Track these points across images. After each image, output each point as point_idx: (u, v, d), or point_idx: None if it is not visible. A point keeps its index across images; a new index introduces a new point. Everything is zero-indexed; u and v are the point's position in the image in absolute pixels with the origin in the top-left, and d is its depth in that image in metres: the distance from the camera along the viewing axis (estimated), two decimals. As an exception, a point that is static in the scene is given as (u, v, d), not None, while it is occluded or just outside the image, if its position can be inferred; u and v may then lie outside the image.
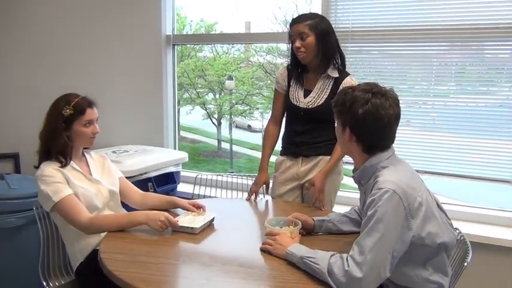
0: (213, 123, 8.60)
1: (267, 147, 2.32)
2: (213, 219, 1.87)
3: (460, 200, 2.90)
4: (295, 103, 2.19)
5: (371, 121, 1.43)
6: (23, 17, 3.13)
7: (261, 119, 8.09)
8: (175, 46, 3.28)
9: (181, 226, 1.74)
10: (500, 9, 2.35)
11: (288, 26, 2.19)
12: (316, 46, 2.09)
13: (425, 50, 2.55)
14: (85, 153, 1.99)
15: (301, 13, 2.17)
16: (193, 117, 8.56)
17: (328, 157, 2.18)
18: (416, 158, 2.57)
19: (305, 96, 2.18)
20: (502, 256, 2.34)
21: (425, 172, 2.55)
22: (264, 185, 2.31)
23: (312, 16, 2.12)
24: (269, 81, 7.61)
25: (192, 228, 1.74)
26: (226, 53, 8.11)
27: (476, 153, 2.49)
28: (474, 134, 2.49)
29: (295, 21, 2.11)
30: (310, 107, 2.16)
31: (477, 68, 2.50)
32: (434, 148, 2.56)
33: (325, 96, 2.14)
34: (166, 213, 1.75)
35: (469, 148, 2.50)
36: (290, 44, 2.18)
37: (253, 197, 2.27)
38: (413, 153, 2.58)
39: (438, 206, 1.51)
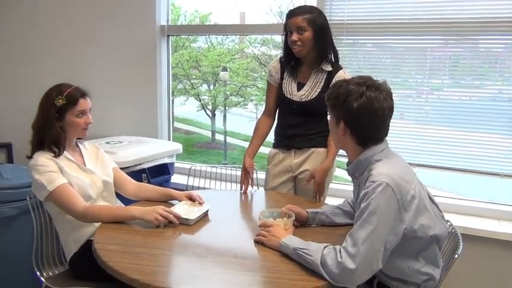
0: (207, 114, 8.58)
1: (254, 138, 2.30)
2: (207, 211, 1.87)
3: (451, 193, 2.93)
4: (289, 96, 2.19)
5: (366, 114, 1.43)
6: (15, 6, 3.09)
7: (255, 111, 8.08)
8: (170, 37, 3.26)
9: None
10: (494, 3, 2.36)
11: (283, 17, 2.18)
12: (312, 41, 2.08)
13: (419, 43, 2.56)
14: (78, 144, 1.98)
15: (297, 5, 2.15)
16: (187, 108, 8.53)
17: (321, 149, 2.19)
18: (409, 151, 2.59)
19: (298, 89, 2.18)
20: (491, 248, 2.37)
21: (418, 165, 2.57)
22: (245, 170, 2.25)
23: (310, 10, 2.10)
24: (263, 73, 7.59)
25: (187, 219, 1.75)
26: (221, 44, 8.06)
27: (469, 147, 2.51)
28: (467, 128, 2.51)
29: (294, 14, 2.08)
30: (303, 100, 2.16)
31: (471, 61, 2.51)
32: (427, 141, 2.58)
33: (319, 90, 2.14)
34: (161, 207, 1.75)
35: (462, 141, 2.52)
36: (284, 36, 2.16)
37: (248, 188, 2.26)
38: (406, 146, 2.60)
39: (430, 198, 1.52)
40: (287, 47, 2.16)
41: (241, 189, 2.26)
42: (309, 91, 2.16)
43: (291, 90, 2.19)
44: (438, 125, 2.57)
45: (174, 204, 1.89)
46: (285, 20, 2.14)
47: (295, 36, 2.07)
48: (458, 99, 2.55)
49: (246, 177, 2.25)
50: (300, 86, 2.18)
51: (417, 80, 2.63)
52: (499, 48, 2.46)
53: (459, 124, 2.53)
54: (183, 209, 1.83)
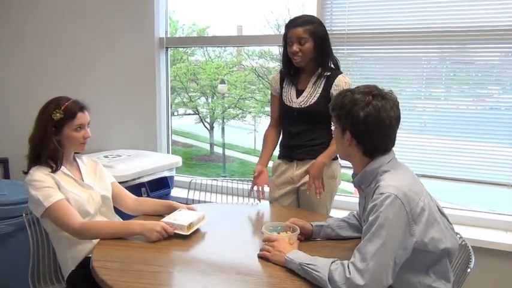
0: (206, 127, 8.56)
1: (265, 148, 2.28)
2: (203, 217, 1.82)
3: (448, 202, 2.90)
4: (289, 104, 2.18)
5: (372, 124, 1.40)
6: (15, 19, 3.07)
7: (253, 123, 8.07)
8: (169, 49, 3.24)
9: (175, 233, 1.70)
10: (490, 13, 2.35)
11: (280, 29, 2.17)
12: (312, 51, 2.08)
13: (416, 52, 2.55)
14: (76, 158, 1.94)
15: (297, 16, 2.14)
16: (185, 121, 8.52)
17: None
18: (407, 161, 2.53)
19: (297, 96, 2.17)
20: (499, 260, 2.32)
21: (417, 175, 2.52)
22: (258, 176, 2.21)
23: (311, 20, 2.09)
24: (261, 85, 7.60)
25: (181, 228, 1.70)
26: (218, 57, 8.08)
27: (467, 156, 2.49)
28: (464, 137, 2.49)
29: (295, 25, 2.07)
30: (303, 106, 2.14)
31: (467, 71, 2.50)
32: (425, 151, 2.56)
33: (317, 95, 2.13)
34: (162, 223, 1.70)
35: (460, 151, 2.50)
36: (284, 45, 2.15)
37: (255, 190, 2.22)
38: (404, 156, 2.55)
39: (440, 210, 1.48)
40: (286, 56, 2.15)
41: (249, 194, 2.24)
42: (307, 97, 2.14)
43: (290, 97, 2.18)
44: (436, 135, 2.55)
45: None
46: (285, 29, 2.13)
47: (295, 47, 2.07)
48: (455, 109, 2.54)
49: (255, 184, 2.21)
50: (299, 93, 2.17)
51: (414, 89, 2.61)
52: (495, 57, 2.44)
53: (457, 133, 2.52)
54: (178, 215, 1.78)
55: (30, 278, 1.86)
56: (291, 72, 2.19)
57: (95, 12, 3.08)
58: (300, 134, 2.18)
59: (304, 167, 2.18)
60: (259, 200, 2.23)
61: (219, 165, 8.50)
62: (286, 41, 2.12)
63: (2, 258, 2.34)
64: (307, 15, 2.14)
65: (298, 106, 2.15)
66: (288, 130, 2.23)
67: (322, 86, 2.14)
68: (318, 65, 2.13)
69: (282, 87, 2.23)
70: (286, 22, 2.17)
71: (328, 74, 2.13)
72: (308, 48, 2.07)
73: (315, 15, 2.62)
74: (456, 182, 2.55)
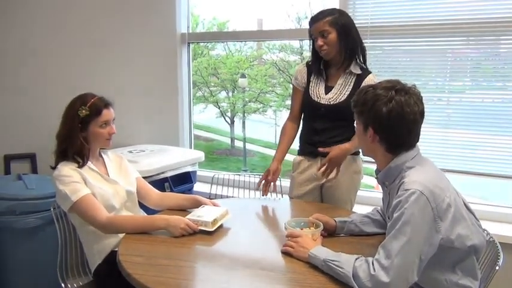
0: (226, 121, 8.58)
1: (282, 143, 2.24)
2: (226, 212, 1.82)
3: (474, 197, 2.84)
4: (316, 99, 2.15)
5: (395, 119, 1.38)
6: (39, 16, 3.13)
7: (274, 117, 8.05)
8: (190, 44, 3.25)
9: (200, 229, 1.72)
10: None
11: (300, 23, 2.16)
12: (338, 42, 2.06)
13: (441, 45, 2.49)
14: (102, 153, 1.98)
15: (316, 9, 2.14)
16: (206, 115, 8.55)
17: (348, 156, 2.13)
18: (430, 156, 2.49)
19: (326, 92, 2.14)
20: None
21: (442, 170, 2.48)
22: (272, 174, 2.18)
23: (331, 12, 2.07)
24: (282, 79, 7.56)
25: (205, 224, 1.71)
26: (239, 51, 8.07)
27: (493, 150, 2.43)
28: (490, 131, 2.44)
29: (315, 20, 2.07)
30: (331, 103, 2.11)
31: (493, 62, 2.44)
32: (450, 145, 2.51)
33: (347, 93, 2.10)
34: (186, 220, 1.72)
35: (485, 145, 2.45)
36: (311, 41, 2.14)
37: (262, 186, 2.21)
38: (428, 150, 2.50)
39: (466, 206, 1.45)
40: (315, 51, 2.14)
41: (257, 188, 2.21)
42: (337, 94, 2.12)
43: (318, 93, 2.15)
44: (461, 129, 2.51)
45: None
46: (308, 27, 2.12)
47: (320, 41, 2.06)
48: (480, 102, 2.48)
49: (266, 179, 2.19)
50: (328, 89, 2.15)
51: (438, 82, 2.56)
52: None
53: (483, 127, 2.46)
54: (202, 212, 1.80)
55: (58, 271, 1.91)
56: (320, 67, 2.17)
57: (117, 9, 3.12)
58: (325, 130, 2.15)
59: None
60: (265, 195, 2.21)
61: (239, 159, 8.52)
62: (312, 37, 2.11)
63: (31, 251, 2.40)
64: (328, 9, 2.11)
65: (326, 102, 2.12)
66: (312, 126, 2.19)
67: (352, 84, 2.11)
68: (346, 56, 2.09)
69: (308, 82, 2.20)
70: (309, 17, 2.15)
71: (359, 72, 2.11)
72: (332, 39, 2.05)
73: (338, 7, 2.59)
74: (481, 176, 2.50)
